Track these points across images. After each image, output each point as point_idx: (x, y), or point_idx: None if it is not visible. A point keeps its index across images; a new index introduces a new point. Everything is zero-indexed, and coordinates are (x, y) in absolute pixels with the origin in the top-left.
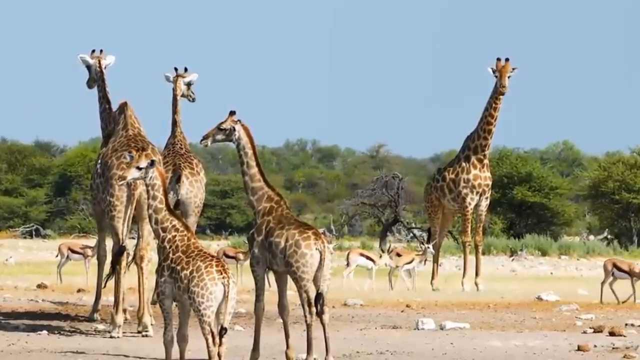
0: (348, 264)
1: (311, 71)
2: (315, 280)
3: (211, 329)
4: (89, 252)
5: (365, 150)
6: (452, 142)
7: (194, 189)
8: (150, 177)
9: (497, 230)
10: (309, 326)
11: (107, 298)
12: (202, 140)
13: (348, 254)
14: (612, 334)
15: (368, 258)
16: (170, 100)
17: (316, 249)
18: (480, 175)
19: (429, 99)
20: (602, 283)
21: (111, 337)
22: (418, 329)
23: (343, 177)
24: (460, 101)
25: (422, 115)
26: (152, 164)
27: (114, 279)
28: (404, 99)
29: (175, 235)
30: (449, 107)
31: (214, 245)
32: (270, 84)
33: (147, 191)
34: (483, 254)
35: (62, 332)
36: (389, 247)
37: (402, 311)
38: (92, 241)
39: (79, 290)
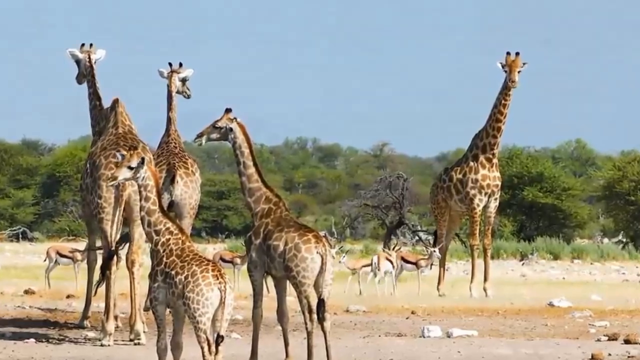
0: (379, 269)
1: (311, 66)
2: (316, 285)
3: (207, 337)
4: (79, 256)
5: (368, 149)
6: (460, 140)
7: (188, 190)
8: (143, 177)
9: (507, 232)
10: (309, 334)
11: (98, 304)
12: (196, 139)
13: (378, 259)
14: (627, 341)
15: (391, 262)
16: (165, 96)
17: (317, 252)
18: (489, 175)
19: (435, 95)
20: None
21: (102, 345)
22: (424, 337)
23: (345, 177)
24: (468, 97)
25: (427, 112)
26: (142, 162)
27: (104, 284)
28: (408, 95)
29: (169, 239)
30: (456, 103)
31: (210, 248)
32: (269, 80)
33: (139, 192)
34: (492, 257)
35: (50, 340)
36: (394, 246)
37: (407, 318)
38: (81, 244)
39: (68, 296)
